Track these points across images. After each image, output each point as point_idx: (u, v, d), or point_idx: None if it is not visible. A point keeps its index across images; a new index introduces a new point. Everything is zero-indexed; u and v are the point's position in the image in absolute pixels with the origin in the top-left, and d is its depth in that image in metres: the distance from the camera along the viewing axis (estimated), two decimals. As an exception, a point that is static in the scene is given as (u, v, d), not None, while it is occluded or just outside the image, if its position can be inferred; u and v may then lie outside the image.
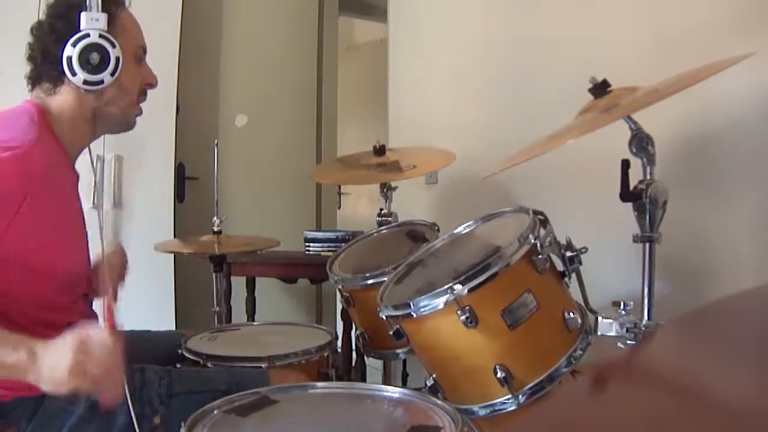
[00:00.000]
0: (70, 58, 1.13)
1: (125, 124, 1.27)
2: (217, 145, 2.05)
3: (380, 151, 1.98)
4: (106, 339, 0.96)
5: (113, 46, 1.14)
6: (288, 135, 3.37)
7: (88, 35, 1.13)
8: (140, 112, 1.28)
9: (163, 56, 2.65)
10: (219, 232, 1.97)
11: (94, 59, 1.13)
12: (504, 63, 2.22)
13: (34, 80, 1.20)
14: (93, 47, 1.13)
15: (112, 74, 1.15)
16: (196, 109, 2.99)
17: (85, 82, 1.14)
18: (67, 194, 1.22)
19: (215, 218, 1.97)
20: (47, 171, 1.10)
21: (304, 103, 3.45)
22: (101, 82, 1.15)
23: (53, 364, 0.93)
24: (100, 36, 1.13)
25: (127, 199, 2.67)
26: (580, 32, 1.91)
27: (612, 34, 1.80)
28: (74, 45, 1.13)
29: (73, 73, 1.14)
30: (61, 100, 1.18)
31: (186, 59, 2.80)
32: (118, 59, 1.15)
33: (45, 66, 1.17)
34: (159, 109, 2.64)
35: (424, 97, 2.62)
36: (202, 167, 2.79)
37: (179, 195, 2.91)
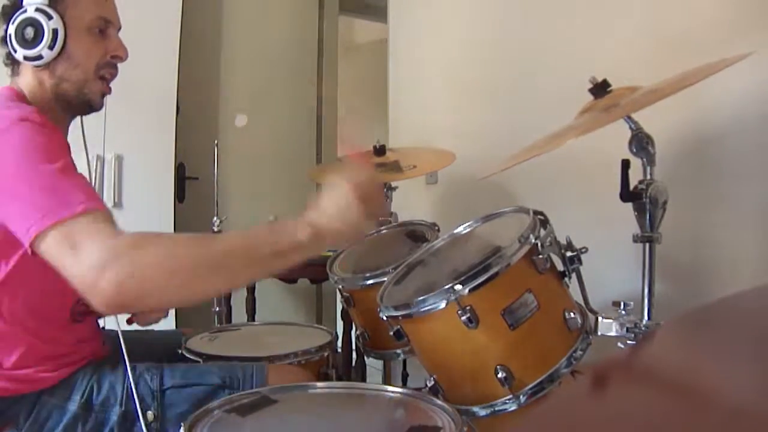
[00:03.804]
0: (10, 36, 1.13)
1: (84, 102, 1.19)
2: (217, 145, 2.05)
3: (380, 151, 1.98)
4: (368, 172, 1.09)
5: (49, 18, 1.11)
6: (288, 135, 3.37)
7: (25, 10, 1.12)
8: (105, 90, 1.21)
9: (163, 56, 2.66)
10: (219, 232, 1.97)
11: (29, 33, 1.12)
12: (504, 63, 2.22)
13: (7, 66, 1.20)
14: (27, 21, 1.12)
15: (51, 47, 1.12)
16: (196, 109, 2.98)
17: (26, 58, 1.13)
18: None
19: (215, 218, 1.97)
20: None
21: (304, 103, 3.45)
22: (40, 56, 1.13)
23: (338, 209, 1.02)
24: (36, 9, 1.12)
25: (127, 199, 2.67)
26: (580, 32, 1.91)
27: (612, 34, 1.80)
28: (13, 22, 1.13)
29: (14, 50, 1.13)
30: (25, 81, 1.18)
31: (186, 59, 2.80)
32: (55, 31, 1.12)
33: (3, 48, 1.17)
34: (159, 109, 2.64)
35: (424, 97, 2.62)
36: (202, 167, 2.79)
37: (179, 195, 2.91)
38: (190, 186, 2.98)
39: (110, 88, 1.22)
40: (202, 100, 3.09)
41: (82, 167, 1.26)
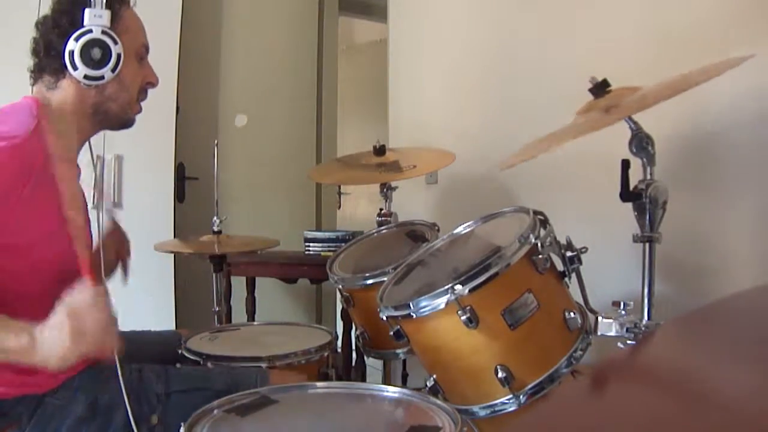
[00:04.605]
0: (72, 53, 1.15)
1: (124, 120, 1.28)
2: (217, 145, 2.05)
3: (380, 151, 1.98)
4: (90, 297, 0.99)
5: (115, 42, 1.16)
6: (288, 135, 3.36)
7: (90, 31, 1.15)
8: (140, 110, 1.29)
9: (163, 56, 2.63)
10: (219, 232, 1.97)
11: (96, 54, 1.15)
12: (504, 63, 2.22)
13: (37, 74, 1.21)
14: (95, 42, 1.15)
15: (113, 70, 1.17)
16: (196, 109, 2.98)
17: (86, 77, 1.16)
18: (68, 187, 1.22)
19: (215, 218, 1.97)
20: (46, 162, 1.11)
21: (304, 103, 3.44)
22: (102, 77, 1.17)
23: (53, 339, 0.96)
24: (103, 32, 1.15)
25: (127, 199, 2.67)
26: (579, 32, 1.91)
27: (612, 34, 1.80)
28: (77, 40, 1.14)
29: (75, 68, 1.15)
30: (62, 94, 1.20)
31: (186, 59, 2.80)
32: (119, 56, 1.17)
33: (47, 59, 1.18)
34: (159, 109, 2.63)
35: (424, 97, 2.62)
36: (202, 167, 2.79)
37: (179, 195, 2.91)
38: (190, 186, 2.98)
39: (141, 108, 1.30)
40: (202, 100, 3.09)
41: (86, 168, 1.28)
